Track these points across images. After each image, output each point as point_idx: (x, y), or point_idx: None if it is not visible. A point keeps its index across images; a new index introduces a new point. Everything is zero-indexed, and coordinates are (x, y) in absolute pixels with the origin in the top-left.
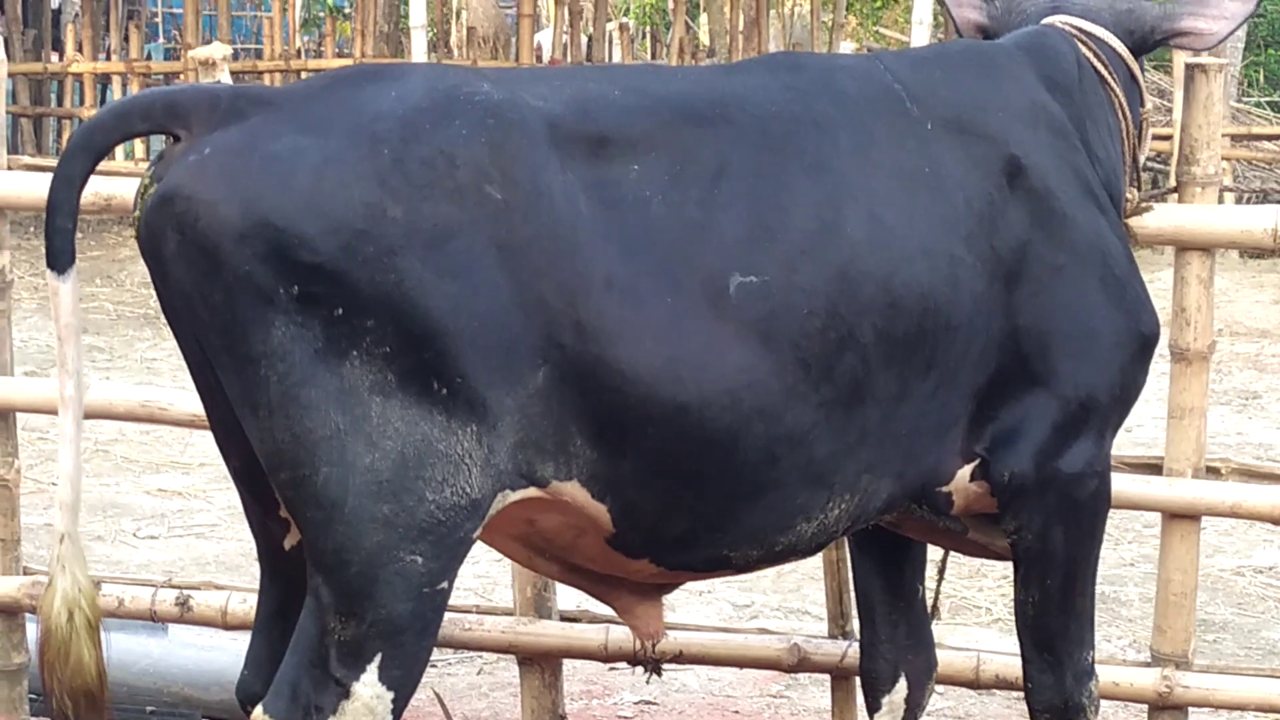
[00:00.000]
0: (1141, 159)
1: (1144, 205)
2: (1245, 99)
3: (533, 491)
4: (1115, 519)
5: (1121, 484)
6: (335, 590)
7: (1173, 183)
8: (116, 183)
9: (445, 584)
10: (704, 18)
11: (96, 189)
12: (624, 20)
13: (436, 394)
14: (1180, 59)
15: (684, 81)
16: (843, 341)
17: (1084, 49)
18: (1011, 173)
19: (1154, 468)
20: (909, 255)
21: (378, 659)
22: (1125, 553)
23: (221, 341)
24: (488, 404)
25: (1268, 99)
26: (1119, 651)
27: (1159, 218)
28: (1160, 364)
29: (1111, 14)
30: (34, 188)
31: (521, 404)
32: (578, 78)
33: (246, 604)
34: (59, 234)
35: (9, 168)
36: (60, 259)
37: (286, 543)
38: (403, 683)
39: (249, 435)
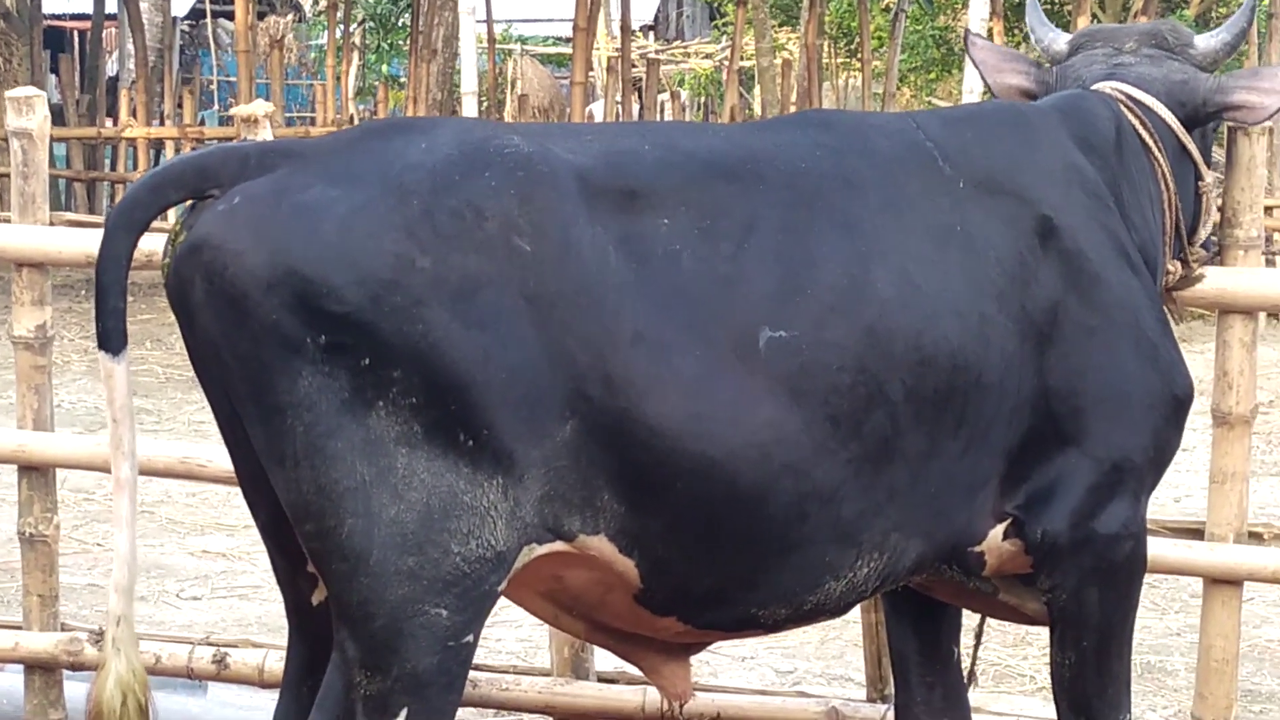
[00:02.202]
0: (1205, 233)
1: (1196, 275)
2: None
3: (559, 546)
4: (1161, 587)
5: (1163, 549)
6: (361, 644)
7: None
8: (158, 239)
9: (470, 637)
10: (757, 89)
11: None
12: (675, 89)
13: (462, 446)
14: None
15: (714, 138)
16: (872, 398)
17: (1129, 115)
18: (1044, 233)
19: (1196, 533)
20: (939, 313)
21: (404, 713)
22: (1171, 622)
23: (248, 391)
24: (514, 456)
25: None
26: None
27: (1200, 282)
28: (1204, 430)
29: (1165, 84)
30: (75, 243)
31: (548, 457)
32: (608, 133)
33: (284, 662)
34: (111, 315)
35: (52, 224)
36: (113, 340)
37: (314, 599)
38: None
39: (275, 486)
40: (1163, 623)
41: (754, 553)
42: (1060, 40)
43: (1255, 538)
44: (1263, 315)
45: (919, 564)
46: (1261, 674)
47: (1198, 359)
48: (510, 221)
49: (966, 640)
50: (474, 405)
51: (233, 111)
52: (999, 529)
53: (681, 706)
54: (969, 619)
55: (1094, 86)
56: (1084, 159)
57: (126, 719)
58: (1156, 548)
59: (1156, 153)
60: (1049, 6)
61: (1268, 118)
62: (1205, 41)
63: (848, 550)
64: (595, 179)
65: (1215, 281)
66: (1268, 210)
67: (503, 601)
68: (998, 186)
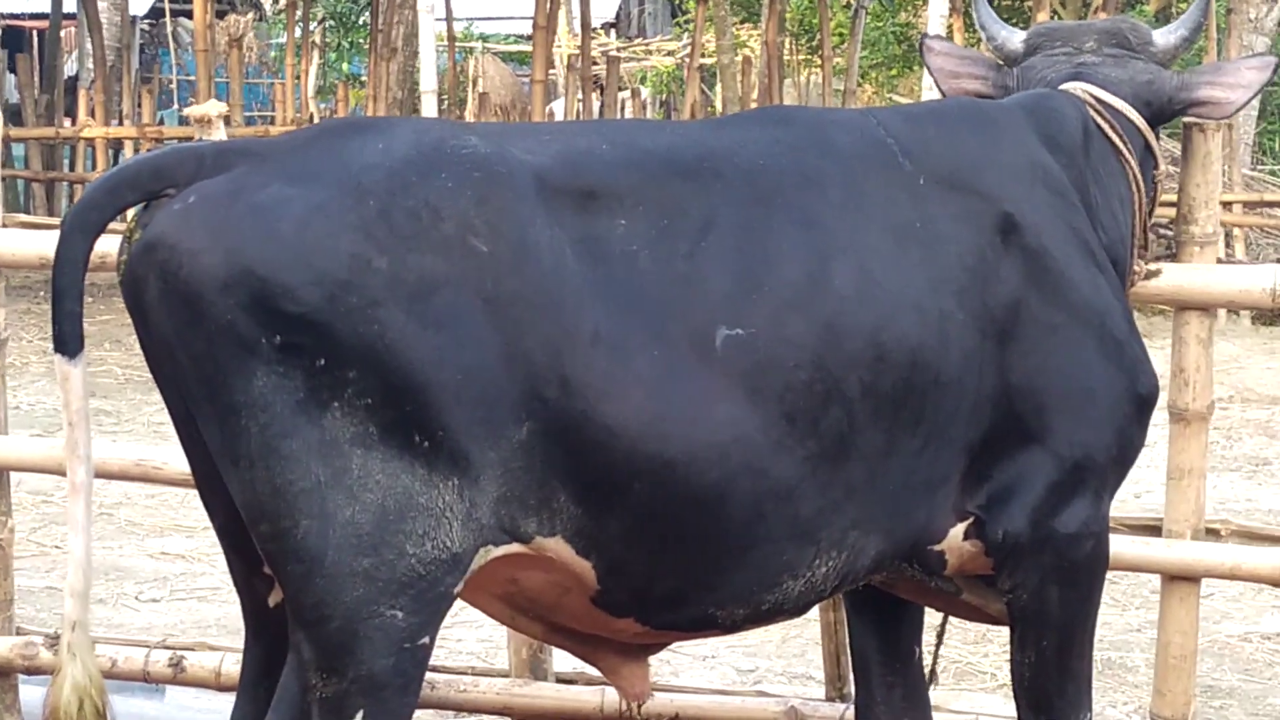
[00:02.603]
0: (1149, 220)
1: (1153, 271)
2: (1259, 167)
3: (516, 547)
4: (1121, 584)
5: (1121, 545)
6: (316, 646)
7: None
8: (113, 241)
9: (426, 639)
10: (719, 86)
11: None
12: (636, 87)
13: (418, 447)
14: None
15: (672, 135)
16: (829, 395)
17: (1097, 117)
18: (1006, 230)
19: (1154, 529)
20: (898, 310)
21: (360, 715)
22: (1131, 618)
23: (202, 391)
24: (470, 458)
25: None
26: (1123, 718)
27: (1157, 277)
28: (1164, 426)
29: (1131, 85)
30: (28, 245)
31: (504, 458)
32: (566, 132)
33: (240, 664)
34: (68, 318)
35: (4, 225)
36: (70, 343)
37: (271, 600)
38: None
39: (230, 487)
40: (1123, 619)
41: (712, 553)
42: (1015, 39)
43: (1213, 534)
44: (1222, 311)
45: (878, 562)
46: (1221, 670)
47: (1158, 354)
48: (467, 222)
49: (928, 638)
50: (430, 406)
51: (187, 111)
52: (960, 528)
53: (640, 707)
54: (931, 617)
55: (1061, 87)
56: (1049, 157)
57: None
58: (1115, 544)
59: (1127, 155)
60: (1010, 2)
61: (1234, 113)
62: (1164, 38)
63: (806, 549)
64: (553, 179)
65: (1171, 278)
66: (1225, 205)
67: (462, 602)
68: (959, 183)
